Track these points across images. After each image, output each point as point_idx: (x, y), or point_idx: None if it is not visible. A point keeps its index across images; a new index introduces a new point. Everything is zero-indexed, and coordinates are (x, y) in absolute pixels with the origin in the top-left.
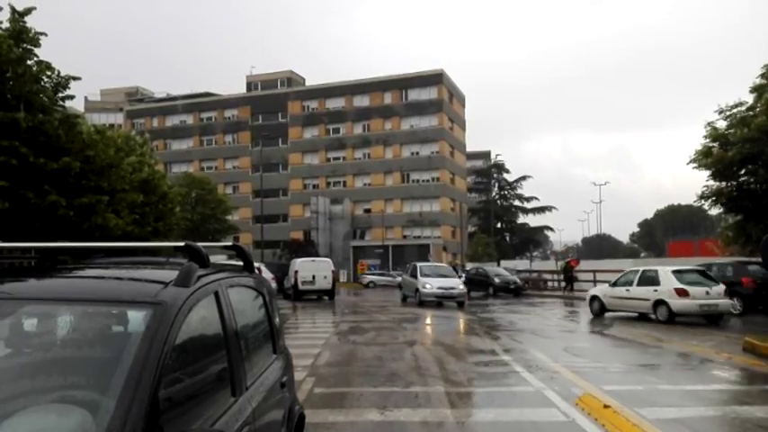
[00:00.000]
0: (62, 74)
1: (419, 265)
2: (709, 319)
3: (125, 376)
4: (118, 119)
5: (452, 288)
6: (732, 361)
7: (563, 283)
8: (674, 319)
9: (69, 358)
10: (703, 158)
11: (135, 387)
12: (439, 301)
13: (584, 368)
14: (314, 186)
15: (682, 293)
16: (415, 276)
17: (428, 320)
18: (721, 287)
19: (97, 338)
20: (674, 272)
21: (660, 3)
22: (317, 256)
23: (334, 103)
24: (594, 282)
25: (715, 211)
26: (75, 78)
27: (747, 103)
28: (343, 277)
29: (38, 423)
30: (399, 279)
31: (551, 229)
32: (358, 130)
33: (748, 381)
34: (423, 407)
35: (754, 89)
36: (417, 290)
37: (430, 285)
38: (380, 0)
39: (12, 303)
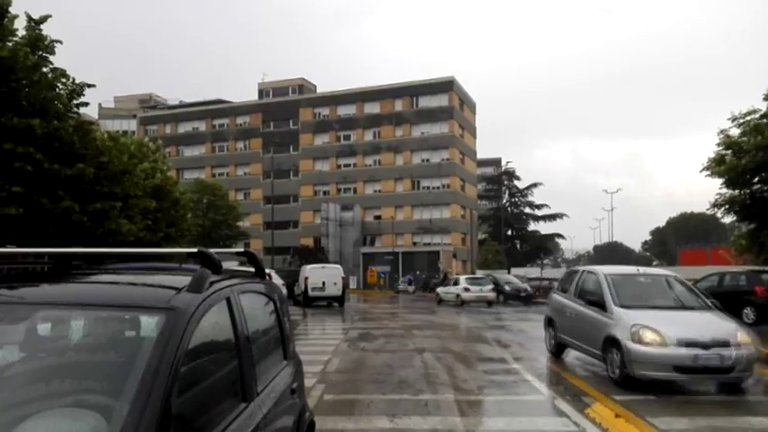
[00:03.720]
0: (77, 81)
1: (601, 272)
2: (488, 304)
3: (138, 381)
4: (131, 125)
5: (723, 345)
6: None
7: None
8: (463, 304)
9: (83, 363)
10: (716, 166)
11: (148, 392)
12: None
13: (594, 376)
14: (324, 193)
15: (467, 290)
16: (601, 305)
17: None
18: (490, 285)
19: (110, 343)
20: (467, 278)
21: (672, 10)
22: (327, 262)
23: (345, 110)
24: None
25: (728, 219)
26: (89, 85)
27: (761, 110)
28: (352, 284)
29: (52, 427)
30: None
31: (562, 236)
32: (369, 136)
33: (762, 391)
34: (432, 415)
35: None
36: (621, 348)
37: (672, 339)
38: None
39: (26, 308)
